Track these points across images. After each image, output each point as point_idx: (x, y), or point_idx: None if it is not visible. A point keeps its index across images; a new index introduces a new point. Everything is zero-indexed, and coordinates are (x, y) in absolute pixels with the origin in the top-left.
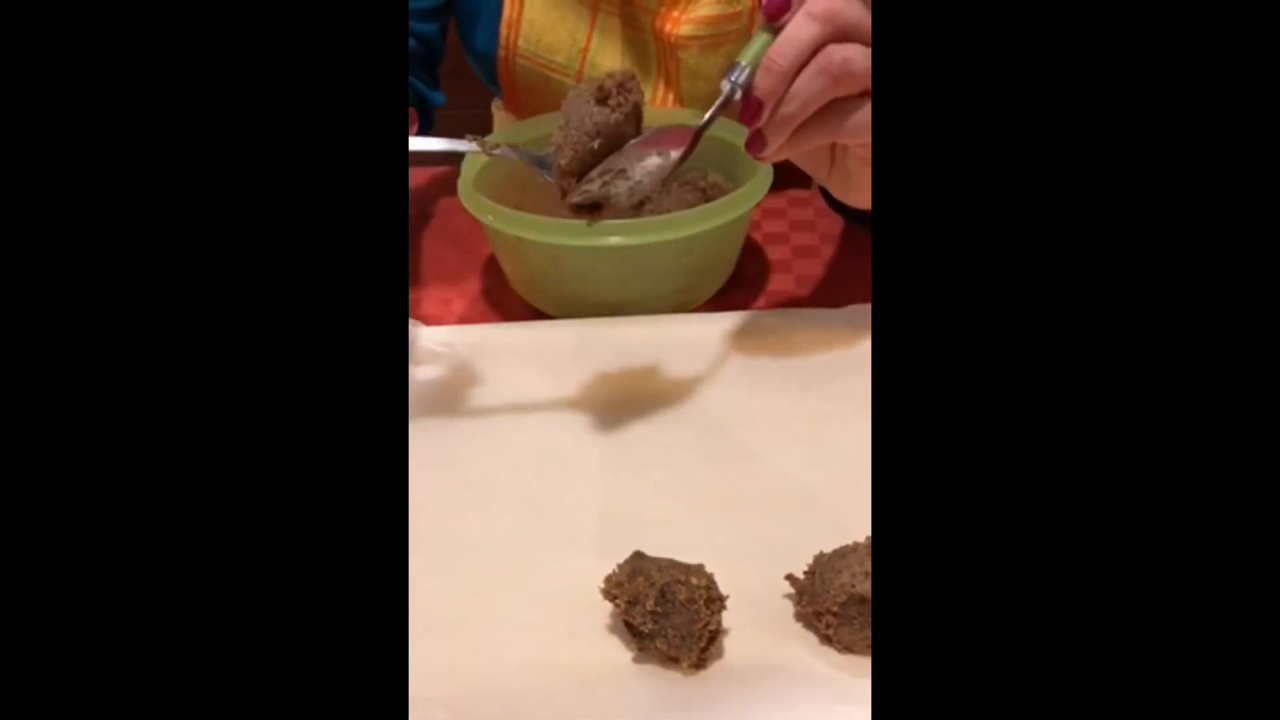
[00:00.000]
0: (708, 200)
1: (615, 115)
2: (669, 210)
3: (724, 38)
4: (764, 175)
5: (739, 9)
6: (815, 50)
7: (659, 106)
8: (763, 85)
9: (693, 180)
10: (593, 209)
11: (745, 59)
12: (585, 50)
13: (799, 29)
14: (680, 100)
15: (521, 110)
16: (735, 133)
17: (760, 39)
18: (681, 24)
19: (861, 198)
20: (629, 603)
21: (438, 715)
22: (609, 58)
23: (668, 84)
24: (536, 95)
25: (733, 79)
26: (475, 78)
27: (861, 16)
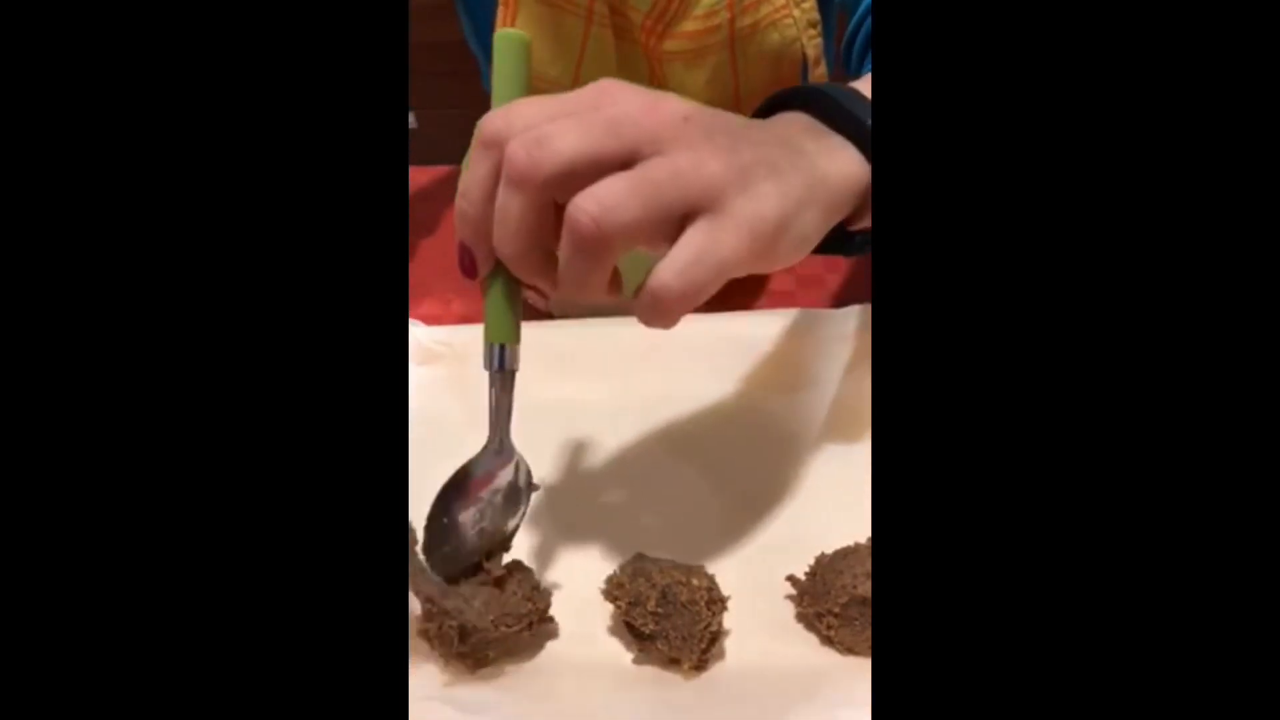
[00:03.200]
0: None
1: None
2: None
3: (706, 52)
4: None
5: (718, 22)
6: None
7: None
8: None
9: None
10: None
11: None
12: (579, 63)
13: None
14: None
15: None
16: None
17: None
18: (665, 39)
19: None
20: (630, 604)
21: (439, 713)
22: (602, 71)
23: None
24: None
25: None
26: (476, 77)
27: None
